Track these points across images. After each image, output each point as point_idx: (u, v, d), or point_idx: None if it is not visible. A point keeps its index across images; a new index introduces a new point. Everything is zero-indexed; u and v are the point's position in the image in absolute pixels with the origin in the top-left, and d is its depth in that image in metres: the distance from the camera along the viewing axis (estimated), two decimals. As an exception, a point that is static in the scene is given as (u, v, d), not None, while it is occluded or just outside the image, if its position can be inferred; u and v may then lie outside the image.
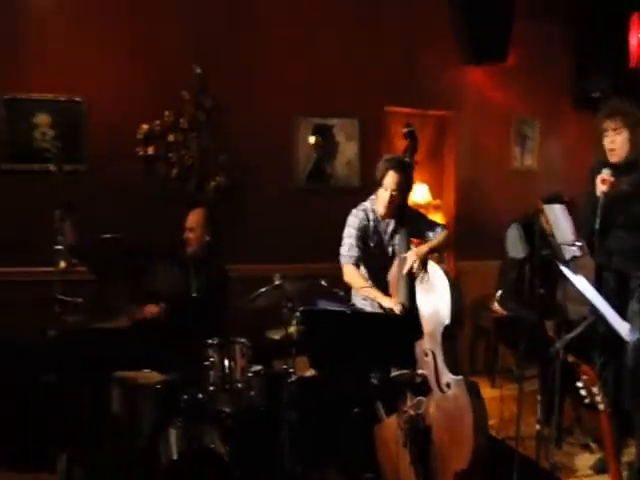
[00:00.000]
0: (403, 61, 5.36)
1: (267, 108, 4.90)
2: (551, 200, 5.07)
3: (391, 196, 3.54)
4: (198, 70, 4.67)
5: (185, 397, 3.37)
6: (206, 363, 3.47)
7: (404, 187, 3.57)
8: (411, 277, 3.42)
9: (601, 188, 3.44)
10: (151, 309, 3.76)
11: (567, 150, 5.96)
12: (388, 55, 5.31)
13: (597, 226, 3.42)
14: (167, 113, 4.65)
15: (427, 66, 5.44)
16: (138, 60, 4.61)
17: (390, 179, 3.53)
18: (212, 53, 4.72)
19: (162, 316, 3.78)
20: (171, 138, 4.68)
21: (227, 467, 3.13)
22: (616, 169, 3.55)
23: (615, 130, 3.53)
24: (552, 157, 6.00)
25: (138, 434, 3.39)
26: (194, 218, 4.02)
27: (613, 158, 3.55)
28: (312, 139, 5.15)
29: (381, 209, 3.61)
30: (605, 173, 3.46)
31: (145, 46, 4.63)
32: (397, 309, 3.33)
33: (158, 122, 4.63)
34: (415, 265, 3.42)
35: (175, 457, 3.10)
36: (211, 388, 3.45)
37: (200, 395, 3.40)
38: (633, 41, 5.44)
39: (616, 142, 3.53)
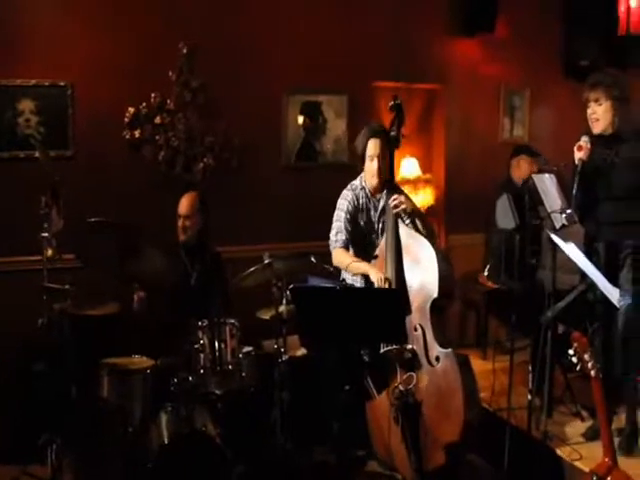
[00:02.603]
0: (390, 35, 5.28)
1: (254, 86, 4.84)
2: (519, 150, 5.08)
3: (378, 164, 3.53)
4: (184, 50, 4.60)
5: (175, 380, 3.37)
6: (196, 345, 3.47)
7: (387, 152, 3.55)
8: (399, 250, 3.40)
9: (578, 155, 3.44)
10: (140, 295, 3.75)
11: (557, 120, 5.91)
12: (375, 30, 5.23)
13: (574, 192, 3.41)
14: (154, 95, 4.59)
15: (415, 40, 5.38)
16: (123, 42, 4.52)
17: (372, 147, 3.55)
18: (198, 32, 4.63)
19: (143, 304, 3.75)
20: (158, 120, 4.62)
21: (219, 449, 3.14)
22: (604, 141, 3.53)
23: (597, 101, 3.50)
24: (542, 127, 5.96)
25: (129, 419, 3.40)
26: (188, 204, 3.96)
27: (595, 129, 3.54)
28: (301, 119, 5.10)
29: (373, 181, 3.60)
30: (582, 140, 3.46)
31: (130, 27, 4.53)
32: (378, 278, 3.32)
33: (144, 104, 4.58)
34: (402, 199, 3.40)
35: (166, 441, 3.12)
36: (201, 370, 3.45)
37: (190, 378, 3.40)
38: (622, 8, 5.38)
39: (597, 113, 3.51)
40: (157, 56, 4.57)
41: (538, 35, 5.78)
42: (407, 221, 3.52)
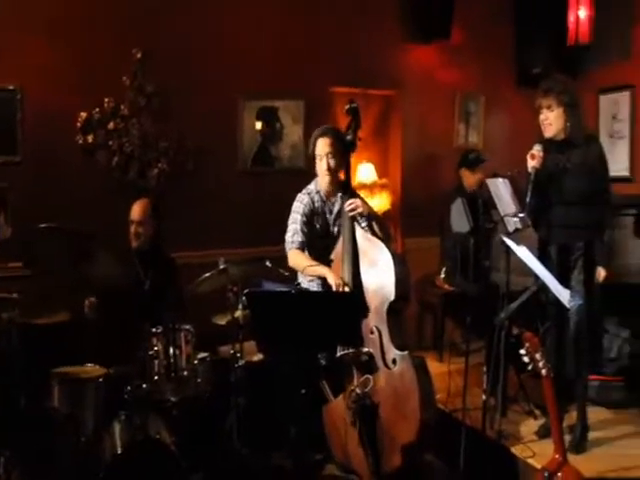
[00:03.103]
0: (347, 41, 5.32)
1: (210, 91, 4.81)
2: (461, 163, 5.17)
3: (327, 163, 3.55)
4: (138, 55, 4.56)
5: (129, 388, 3.31)
6: (150, 352, 3.42)
7: (338, 150, 3.55)
8: (355, 253, 3.41)
9: (531, 164, 3.49)
10: (90, 301, 3.68)
11: (511, 126, 6.04)
12: (332, 36, 5.27)
13: (528, 199, 3.47)
14: (107, 100, 4.54)
15: (371, 46, 5.43)
16: (75, 45, 4.45)
17: (320, 146, 3.56)
18: (152, 37, 4.59)
19: (94, 310, 3.69)
20: (111, 126, 4.57)
21: (174, 456, 3.09)
22: (556, 147, 3.60)
23: (549, 107, 3.58)
24: (496, 133, 6.07)
25: (81, 430, 3.32)
26: (140, 210, 3.91)
27: (547, 134, 3.61)
28: (259, 125, 5.09)
29: (324, 180, 3.61)
30: (535, 149, 3.51)
31: (83, 31, 4.47)
32: (336, 283, 3.33)
33: (97, 109, 4.52)
34: (358, 203, 3.42)
35: (119, 450, 3.06)
36: (156, 378, 3.40)
37: (144, 385, 3.34)
38: (571, 18, 5.51)
39: (549, 118, 3.58)
40: (111, 61, 4.52)
41: (492, 43, 5.90)
42: (363, 224, 3.53)
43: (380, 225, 3.59)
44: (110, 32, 4.53)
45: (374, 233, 3.53)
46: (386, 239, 3.52)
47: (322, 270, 3.46)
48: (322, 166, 3.58)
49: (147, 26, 4.62)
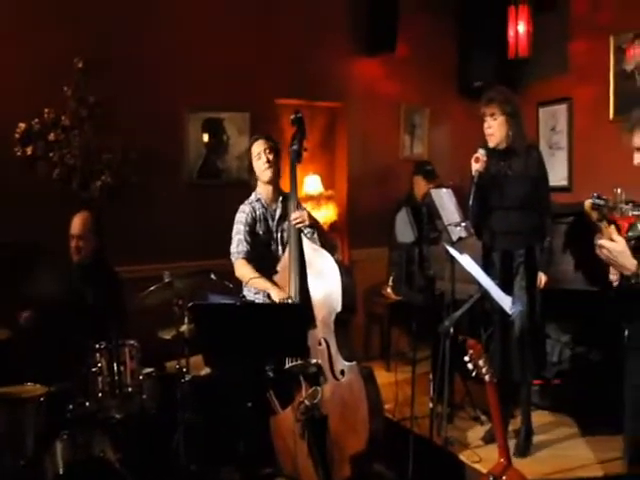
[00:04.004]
0: (293, 53, 5.35)
1: (155, 103, 4.75)
2: (416, 170, 5.28)
3: (267, 157, 3.61)
4: (80, 64, 4.47)
5: (71, 407, 3.22)
6: (93, 369, 3.34)
7: (273, 149, 3.65)
8: (302, 264, 3.42)
9: (475, 167, 3.60)
10: (25, 314, 3.57)
11: (454, 137, 6.16)
12: (278, 48, 5.29)
13: (471, 202, 3.55)
14: (47, 110, 4.43)
15: (317, 58, 5.47)
16: (13, 53, 4.33)
17: (256, 146, 3.65)
18: (95, 46, 4.51)
19: (30, 322, 3.58)
20: (52, 137, 4.46)
21: (119, 475, 3.02)
22: (498, 154, 3.70)
23: (492, 116, 3.68)
24: (440, 144, 6.19)
25: (21, 452, 3.20)
26: (80, 224, 3.82)
27: (491, 142, 3.71)
28: (206, 137, 5.06)
29: (266, 177, 3.65)
30: (479, 153, 3.62)
31: (21, 40, 4.35)
32: (280, 298, 3.33)
33: (37, 120, 4.41)
34: (305, 216, 3.45)
35: (61, 471, 2.97)
36: (99, 394, 3.33)
37: (88, 403, 3.27)
38: (511, 32, 5.67)
39: (492, 127, 3.68)
40: (51, 70, 4.41)
41: (436, 57, 6.03)
42: (309, 235, 3.54)
43: (324, 237, 3.62)
44: (51, 40, 4.41)
45: (321, 244, 3.55)
46: (330, 250, 3.54)
47: (266, 285, 3.46)
48: (262, 161, 3.63)
49: (89, 35, 4.53)
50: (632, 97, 5.11)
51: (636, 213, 2.42)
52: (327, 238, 3.63)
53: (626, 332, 2.63)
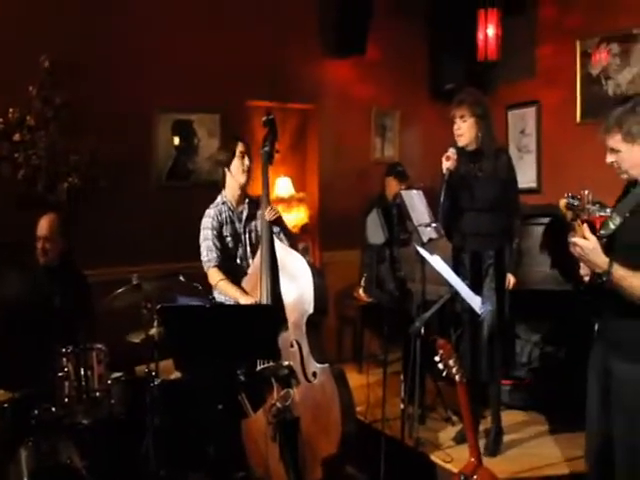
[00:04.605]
0: (264, 55, 5.32)
1: (123, 104, 4.67)
2: (389, 171, 5.33)
3: (249, 160, 3.63)
4: (46, 64, 4.38)
5: (36, 412, 3.15)
6: (60, 373, 3.28)
7: (250, 156, 3.67)
8: (274, 266, 3.40)
9: (445, 164, 3.63)
10: None
11: (425, 139, 6.19)
12: (248, 50, 5.25)
13: (442, 199, 3.58)
14: (12, 110, 4.33)
15: (288, 60, 5.45)
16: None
17: (242, 146, 3.65)
18: (62, 44, 4.40)
19: None
20: (17, 137, 4.36)
21: (86, 481, 2.96)
22: (468, 155, 3.73)
23: (461, 117, 3.71)
24: (411, 146, 6.22)
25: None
26: (47, 226, 3.76)
27: (460, 142, 3.74)
28: (177, 140, 5.02)
29: (240, 181, 3.65)
30: (450, 151, 3.66)
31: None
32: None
33: (1, 120, 4.31)
34: (275, 211, 3.47)
35: (26, 479, 2.89)
36: (66, 400, 3.27)
37: (54, 409, 3.20)
38: (480, 36, 5.73)
39: (462, 128, 3.71)
40: (16, 69, 4.30)
41: (407, 59, 6.06)
42: (281, 235, 3.55)
43: (293, 240, 3.66)
44: (15, 37, 4.31)
45: (289, 245, 3.55)
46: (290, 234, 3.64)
47: (235, 294, 3.44)
48: (244, 163, 3.64)
49: (56, 33, 4.42)
50: (598, 101, 5.21)
51: (602, 214, 2.46)
52: (295, 243, 3.64)
53: (596, 326, 2.66)
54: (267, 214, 3.46)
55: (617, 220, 2.39)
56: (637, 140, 2.43)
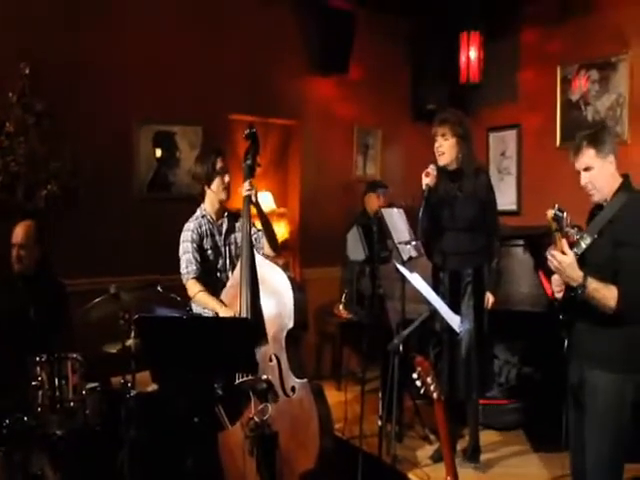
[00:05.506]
0: (247, 70, 5.35)
1: (105, 113, 4.67)
2: (368, 188, 5.38)
3: (228, 183, 3.57)
4: (27, 70, 4.35)
5: (8, 422, 3.07)
6: (33, 383, 3.21)
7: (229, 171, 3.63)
8: (254, 279, 3.38)
9: (425, 181, 3.67)
10: None
11: (406, 159, 6.25)
12: (232, 64, 5.28)
13: (420, 215, 3.60)
14: (-10, 116, 4.30)
15: (271, 75, 5.49)
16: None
17: (221, 161, 3.58)
18: (44, 51, 4.38)
19: None
20: (-5, 143, 4.32)
21: (58, 494, 2.90)
22: (448, 175, 3.76)
23: (443, 136, 3.75)
24: (393, 165, 6.26)
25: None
26: (23, 233, 3.69)
27: (441, 161, 3.77)
28: (159, 152, 5.00)
29: (221, 198, 3.61)
30: (430, 168, 3.70)
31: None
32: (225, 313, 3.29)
33: (-21, 126, 4.27)
34: (251, 186, 3.42)
35: (-4, 489, 2.83)
36: (39, 409, 3.20)
37: (26, 418, 3.13)
38: (463, 58, 5.81)
39: (443, 147, 3.75)
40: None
41: (389, 80, 6.14)
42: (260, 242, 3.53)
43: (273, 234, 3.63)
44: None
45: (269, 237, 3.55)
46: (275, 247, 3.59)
47: (213, 304, 3.41)
48: (224, 180, 3.59)
49: (37, 40, 4.40)
50: (577, 126, 5.29)
51: (578, 237, 2.60)
52: (273, 233, 3.63)
53: (565, 342, 2.75)
54: (245, 189, 3.42)
55: (588, 240, 2.56)
56: (608, 156, 2.62)
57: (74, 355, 3.36)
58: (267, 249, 3.57)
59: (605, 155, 2.61)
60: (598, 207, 2.70)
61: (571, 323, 2.70)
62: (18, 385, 3.23)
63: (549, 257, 2.52)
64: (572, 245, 2.54)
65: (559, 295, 2.69)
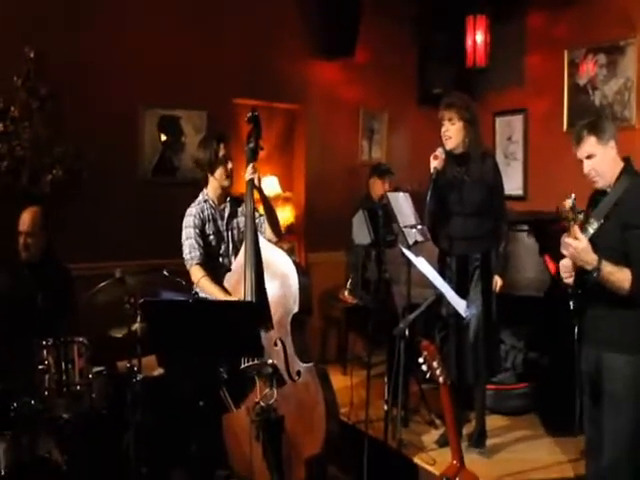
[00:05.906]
0: (252, 54, 5.31)
1: (110, 97, 4.64)
2: (372, 171, 5.36)
3: (230, 170, 3.58)
4: (31, 54, 4.32)
5: (15, 405, 3.09)
6: (40, 366, 3.22)
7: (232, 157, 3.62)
8: (259, 262, 3.37)
9: (433, 164, 3.66)
10: None
11: (412, 143, 6.21)
12: (236, 48, 5.23)
13: (428, 198, 3.58)
14: (-5, 100, 4.28)
15: (276, 59, 5.45)
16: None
17: (224, 149, 3.58)
18: (48, 35, 4.36)
19: None
20: (0, 128, 4.30)
21: (66, 477, 2.91)
22: (455, 159, 3.73)
23: (450, 120, 3.72)
24: (399, 149, 6.23)
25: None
26: (30, 220, 3.68)
27: (447, 145, 3.75)
28: (164, 137, 4.98)
29: (224, 184, 3.61)
30: (438, 151, 3.69)
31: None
32: None
33: (-17, 110, 4.25)
34: (254, 170, 3.43)
35: (3, 472, 2.85)
36: (46, 393, 3.22)
37: (33, 402, 3.15)
38: (469, 42, 5.76)
39: (450, 131, 3.72)
40: (0, 59, 4.24)
41: (395, 63, 6.08)
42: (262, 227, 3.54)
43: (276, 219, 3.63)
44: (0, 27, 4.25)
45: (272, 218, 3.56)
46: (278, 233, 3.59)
47: (217, 292, 3.41)
48: (227, 168, 3.59)
49: (42, 24, 4.38)
50: (585, 110, 5.25)
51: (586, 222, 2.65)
52: (275, 218, 3.63)
53: (576, 329, 2.78)
54: (248, 173, 3.43)
55: (595, 225, 2.62)
56: (609, 142, 2.67)
57: (80, 339, 3.37)
58: (269, 234, 3.56)
59: (606, 141, 2.67)
60: (598, 192, 2.74)
61: (582, 310, 2.74)
62: (25, 369, 3.24)
63: (563, 245, 2.56)
64: (579, 230, 2.56)
65: (568, 281, 2.72)
